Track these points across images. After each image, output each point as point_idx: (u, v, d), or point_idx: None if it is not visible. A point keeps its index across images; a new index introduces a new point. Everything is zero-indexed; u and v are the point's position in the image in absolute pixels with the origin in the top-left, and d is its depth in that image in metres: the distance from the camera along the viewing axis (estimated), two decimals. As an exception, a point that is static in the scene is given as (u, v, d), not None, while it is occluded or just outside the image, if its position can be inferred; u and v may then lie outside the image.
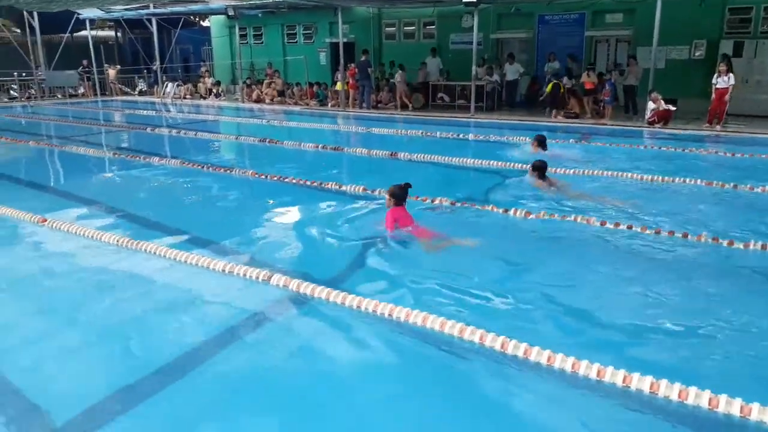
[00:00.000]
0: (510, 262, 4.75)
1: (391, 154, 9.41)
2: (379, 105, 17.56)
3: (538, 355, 3.18)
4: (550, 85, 14.04)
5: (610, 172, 7.70)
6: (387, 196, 5.31)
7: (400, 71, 16.66)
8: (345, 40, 17.55)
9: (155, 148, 11.41)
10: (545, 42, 16.55)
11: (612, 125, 12.78)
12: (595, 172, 7.73)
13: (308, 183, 7.42)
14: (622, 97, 14.15)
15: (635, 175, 7.54)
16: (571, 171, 7.73)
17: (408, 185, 5.31)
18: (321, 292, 3.96)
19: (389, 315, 3.65)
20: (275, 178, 7.77)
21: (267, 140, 11.14)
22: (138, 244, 5.04)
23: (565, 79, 14.21)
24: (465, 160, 8.88)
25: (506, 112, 15.45)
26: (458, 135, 11.65)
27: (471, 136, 11.30)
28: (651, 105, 12.24)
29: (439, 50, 17.64)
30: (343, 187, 7.16)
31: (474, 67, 14.55)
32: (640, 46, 14.50)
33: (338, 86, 17.75)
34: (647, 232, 5.27)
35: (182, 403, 2.92)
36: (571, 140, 10.58)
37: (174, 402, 2.92)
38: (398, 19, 19.24)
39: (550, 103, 14.13)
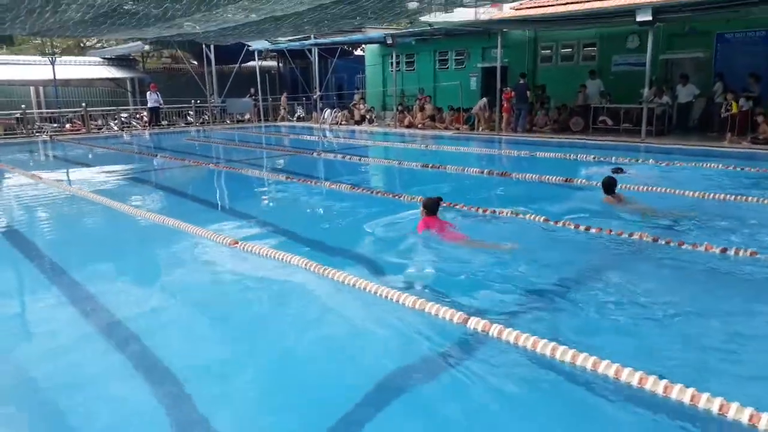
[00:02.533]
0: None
1: (566, 180, 8.94)
2: (533, 128, 17.07)
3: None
4: (735, 105, 12.71)
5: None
6: (421, 207, 6.13)
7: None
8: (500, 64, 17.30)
9: (325, 173, 11.85)
10: (724, 62, 15.12)
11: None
12: None
13: (479, 211, 7.18)
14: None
15: None
16: None
17: (439, 198, 6.18)
18: (509, 335, 3.66)
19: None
20: (444, 205, 7.59)
21: (429, 165, 11.13)
22: (325, 270, 4.97)
23: (742, 101, 12.86)
24: (657, 188, 8.16)
25: (678, 136, 14.26)
26: (636, 160, 10.84)
27: (651, 162, 10.47)
28: None
29: (599, 72, 16.81)
30: (520, 216, 6.82)
31: (646, 89, 13.59)
32: None
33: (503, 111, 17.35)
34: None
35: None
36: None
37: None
38: (555, 41, 18.63)
39: (738, 126, 12.78)
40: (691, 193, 7.69)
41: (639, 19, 12.79)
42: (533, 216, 6.70)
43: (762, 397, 2.91)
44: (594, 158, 11.13)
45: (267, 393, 3.32)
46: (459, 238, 5.90)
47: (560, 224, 6.39)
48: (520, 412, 3.04)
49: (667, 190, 7.92)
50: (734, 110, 12.78)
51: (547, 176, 9.24)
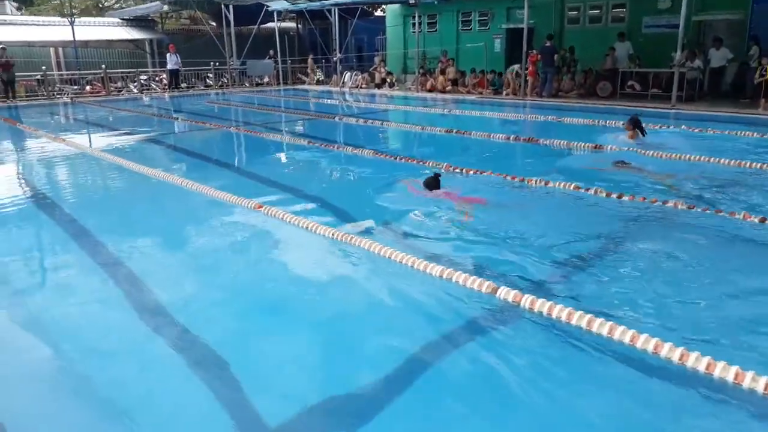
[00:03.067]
0: None
1: (595, 147, 8.73)
2: (559, 93, 16.69)
3: None
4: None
5: None
6: (423, 187, 6.22)
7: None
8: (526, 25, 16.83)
9: (345, 137, 11.72)
10: (760, 24, 14.54)
11: None
12: None
13: (509, 178, 7.04)
14: None
15: None
16: None
17: (438, 174, 6.27)
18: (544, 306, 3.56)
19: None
20: (472, 172, 7.46)
21: (453, 131, 10.94)
22: (349, 237, 4.88)
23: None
24: (687, 156, 7.91)
25: (709, 102, 13.83)
26: (667, 126, 10.56)
27: (683, 127, 10.22)
28: None
29: (628, 34, 16.29)
30: (550, 184, 6.67)
31: (678, 52, 13.14)
32: None
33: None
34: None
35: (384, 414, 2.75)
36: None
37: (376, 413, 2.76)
38: (583, 1, 18.07)
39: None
40: (725, 161, 7.47)
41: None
42: (562, 183, 6.56)
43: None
44: (623, 125, 10.83)
45: (293, 359, 3.28)
46: (475, 201, 5.92)
47: (591, 191, 6.25)
48: (551, 385, 2.94)
49: (698, 158, 7.70)
50: (769, 76, 12.36)
51: (576, 142, 9.05)
